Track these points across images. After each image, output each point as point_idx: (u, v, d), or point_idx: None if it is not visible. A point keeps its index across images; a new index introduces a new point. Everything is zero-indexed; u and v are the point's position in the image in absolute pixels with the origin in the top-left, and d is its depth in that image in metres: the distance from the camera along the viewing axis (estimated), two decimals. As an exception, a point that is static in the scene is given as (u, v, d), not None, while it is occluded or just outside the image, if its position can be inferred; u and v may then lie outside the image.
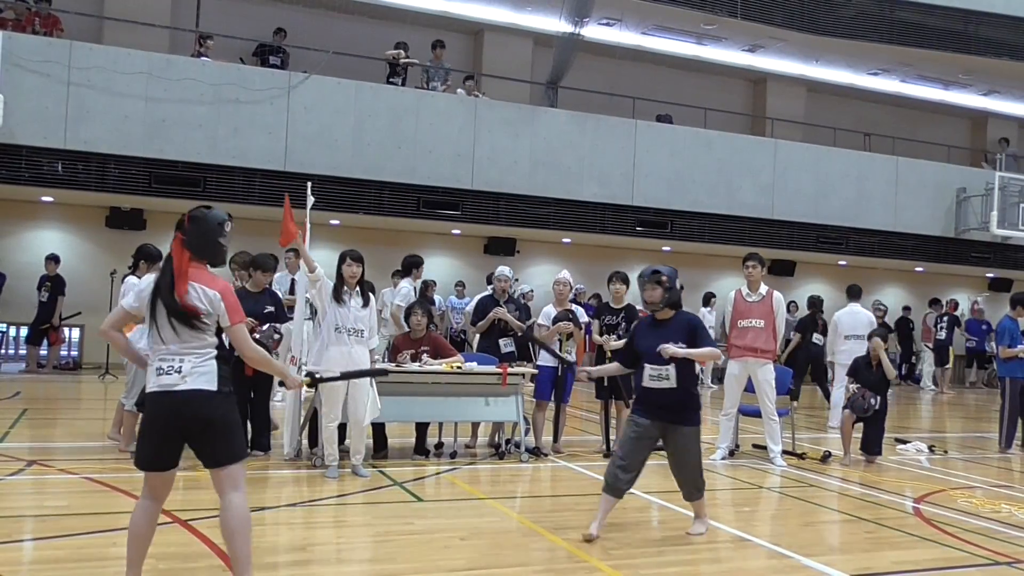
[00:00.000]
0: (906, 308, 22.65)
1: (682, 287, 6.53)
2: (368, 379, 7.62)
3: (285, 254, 12.97)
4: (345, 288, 7.70)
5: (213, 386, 4.21)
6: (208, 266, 4.40)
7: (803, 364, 15.51)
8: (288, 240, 8.11)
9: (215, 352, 4.28)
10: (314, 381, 5.17)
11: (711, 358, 6.39)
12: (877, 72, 22.68)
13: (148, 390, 4.24)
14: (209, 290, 4.26)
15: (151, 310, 4.24)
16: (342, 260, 7.81)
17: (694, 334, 6.16)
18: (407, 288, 11.71)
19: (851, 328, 12.44)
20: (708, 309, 18.55)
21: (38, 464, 7.56)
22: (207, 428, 4.20)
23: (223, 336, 4.40)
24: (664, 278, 6.20)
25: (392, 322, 11.87)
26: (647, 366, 6.18)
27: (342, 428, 8.85)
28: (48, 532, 5.52)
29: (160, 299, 4.21)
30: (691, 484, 6.21)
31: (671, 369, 6.08)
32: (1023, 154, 24.05)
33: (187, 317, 4.18)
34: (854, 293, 13.02)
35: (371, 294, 7.95)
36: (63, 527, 5.61)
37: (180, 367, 4.18)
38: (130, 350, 4.73)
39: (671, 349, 6.53)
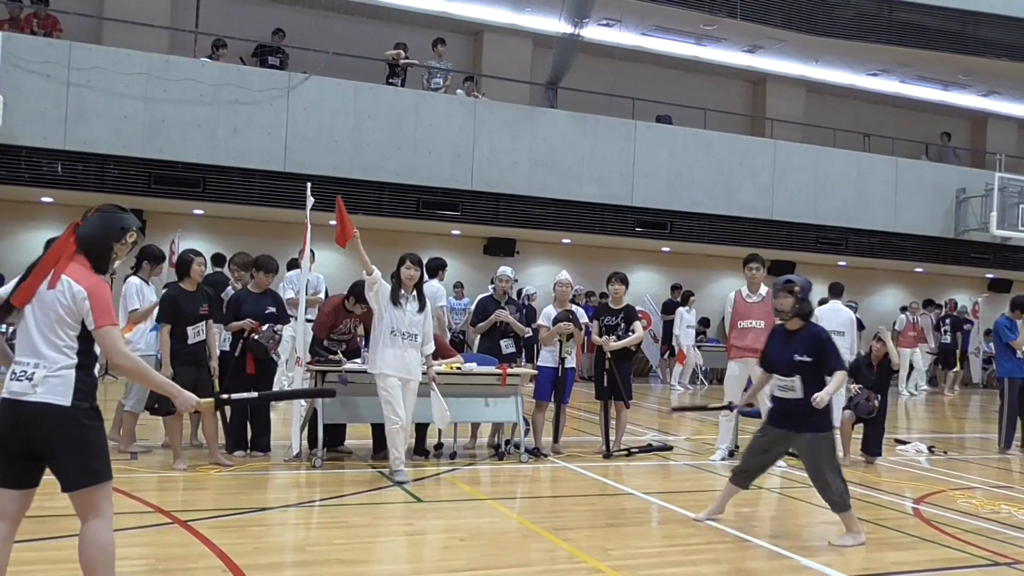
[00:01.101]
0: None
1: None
2: (417, 384, 7.62)
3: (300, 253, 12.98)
4: (402, 291, 7.66)
5: (66, 400, 3.65)
6: (91, 267, 3.89)
7: None
8: (346, 240, 8.05)
9: (75, 360, 3.73)
10: (220, 403, 4.53)
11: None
12: (876, 73, 22.68)
13: (1, 394, 3.75)
14: (75, 285, 3.73)
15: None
16: (401, 263, 7.77)
17: (820, 349, 6.21)
18: (440, 289, 11.82)
19: (836, 325, 12.50)
20: (687, 308, 18.42)
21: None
22: (56, 447, 3.67)
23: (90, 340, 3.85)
24: (796, 288, 6.29)
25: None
26: (775, 377, 6.36)
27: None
28: (48, 533, 5.51)
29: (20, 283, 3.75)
30: (825, 494, 6.19)
31: (796, 381, 6.20)
32: (964, 148, 23.85)
33: (10, 310, 3.74)
34: (836, 291, 13.00)
35: (427, 299, 7.92)
36: (63, 528, 5.60)
37: (32, 373, 3.66)
38: None
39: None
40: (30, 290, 3.75)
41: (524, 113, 17.55)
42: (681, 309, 18.39)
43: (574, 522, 6.57)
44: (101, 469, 3.77)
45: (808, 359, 6.17)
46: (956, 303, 21.82)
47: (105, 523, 3.80)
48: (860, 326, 16.89)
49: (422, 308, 7.73)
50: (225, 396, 4.64)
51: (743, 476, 6.55)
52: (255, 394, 4.89)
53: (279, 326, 8.56)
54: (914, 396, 19.28)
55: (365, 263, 7.68)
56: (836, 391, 6.23)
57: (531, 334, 10.06)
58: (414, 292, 7.73)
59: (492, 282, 11.54)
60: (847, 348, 12.50)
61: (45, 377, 3.67)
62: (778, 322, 6.47)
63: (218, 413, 8.21)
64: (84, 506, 3.78)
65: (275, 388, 10.10)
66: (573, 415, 11.92)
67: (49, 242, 3.89)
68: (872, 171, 20.37)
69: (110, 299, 3.83)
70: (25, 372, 3.69)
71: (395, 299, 7.60)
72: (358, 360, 8.53)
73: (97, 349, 3.87)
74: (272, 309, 8.60)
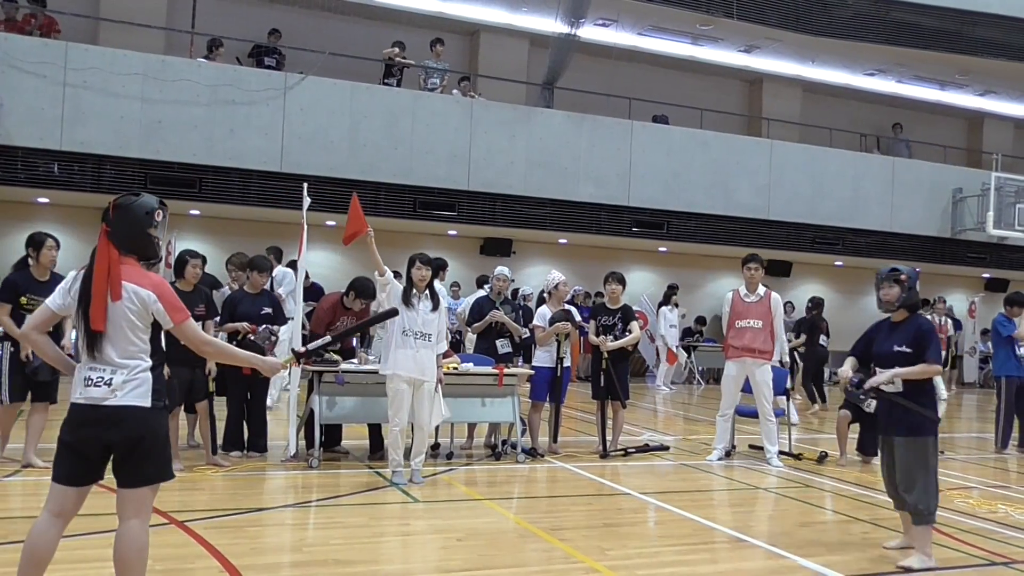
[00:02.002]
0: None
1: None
2: (435, 384, 7.60)
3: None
4: (414, 291, 7.64)
5: (147, 401, 3.80)
6: (139, 261, 3.97)
7: (814, 367, 15.35)
8: (352, 238, 8.05)
9: (150, 363, 3.87)
10: (299, 355, 4.62)
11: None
12: (873, 72, 22.69)
13: (73, 399, 3.82)
14: (141, 290, 3.81)
15: (82, 309, 3.81)
16: (411, 264, 7.74)
17: (919, 339, 5.77)
18: (441, 289, 11.83)
19: None
20: (668, 308, 18.29)
21: (35, 467, 7.52)
22: (137, 446, 3.78)
23: (160, 339, 3.98)
24: (903, 276, 5.88)
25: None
26: (876, 369, 5.94)
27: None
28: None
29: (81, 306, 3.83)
30: (913, 504, 5.69)
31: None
32: (914, 139, 23.43)
33: (96, 337, 3.78)
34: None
35: (440, 299, 7.88)
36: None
37: (111, 379, 3.77)
38: (56, 355, 4.13)
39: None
40: (102, 310, 3.78)
41: (520, 113, 17.55)
42: (664, 308, 18.26)
43: (571, 522, 6.57)
44: (167, 469, 3.92)
45: (908, 350, 5.75)
46: (944, 301, 21.71)
47: (145, 524, 3.88)
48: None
49: (436, 307, 7.70)
50: (302, 349, 4.65)
51: (899, 501, 5.91)
52: (328, 338, 4.96)
53: (276, 327, 8.54)
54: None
55: (377, 263, 7.69)
56: (909, 375, 5.69)
57: (528, 334, 10.05)
58: (427, 291, 7.71)
59: (485, 282, 11.52)
60: None
61: (124, 382, 3.78)
62: (883, 314, 6.02)
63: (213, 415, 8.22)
64: (134, 504, 3.84)
65: (270, 390, 10.10)
66: (570, 415, 11.93)
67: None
68: (868, 171, 20.40)
69: (175, 293, 3.94)
70: (103, 378, 3.77)
71: (407, 300, 7.58)
72: (354, 360, 8.53)
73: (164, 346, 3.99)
74: (268, 310, 8.59)
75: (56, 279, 7.53)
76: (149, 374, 3.85)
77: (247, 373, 8.34)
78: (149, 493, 3.89)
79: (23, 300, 7.33)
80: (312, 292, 13.75)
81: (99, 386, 3.76)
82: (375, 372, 7.87)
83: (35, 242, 7.57)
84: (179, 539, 5.53)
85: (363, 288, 8.62)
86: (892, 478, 5.85)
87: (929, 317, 19.01)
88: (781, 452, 9.54)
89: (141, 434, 3.80)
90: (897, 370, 5.73)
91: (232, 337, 8.44)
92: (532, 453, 9.10)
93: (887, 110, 24.51)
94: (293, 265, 12.49)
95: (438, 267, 12.00)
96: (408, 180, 16.30)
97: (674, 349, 18.11)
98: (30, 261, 7.57)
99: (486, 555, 5.56)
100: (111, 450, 3.82)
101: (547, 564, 5.43)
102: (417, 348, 7.48)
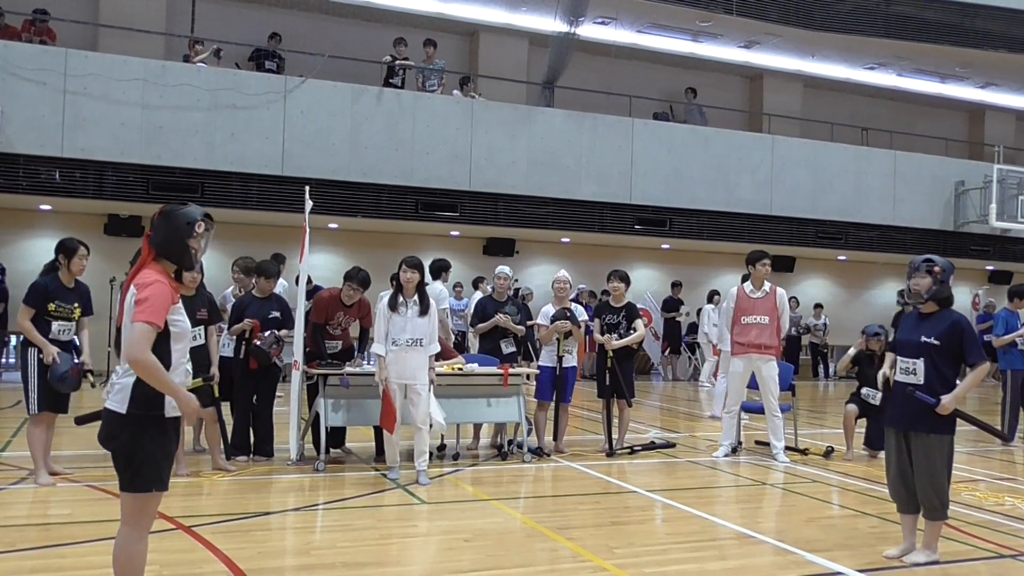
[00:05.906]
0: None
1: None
2: (429, 385, 7.61)
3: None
4: (401, 297, 7.64)
5: (122, 407, 3.79)
6: (174, 268, 4.00)
7: None
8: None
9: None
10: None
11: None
12: (873, 66, 22.67)
13: None
14: (133, 289, 3.84)
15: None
16: (398, 268, 7.76)
17: (954, 334, 5.53)
18: (443, 290, 11.79)
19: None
20: (712, 307, 17.97)
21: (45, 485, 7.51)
22: (111, 451, 3.85)
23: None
24: (937, 268, 5.61)
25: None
26: (898, 359, 5.75)
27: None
28: (51, 540, 5.51)
29: None
30: (930, 500, 5.61)
31: (920, 363, 5.57)
32: (706, 105, 22.65)
33: (118, 334, 3.92)
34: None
35: (431, 302, 7.86)
36: (66, 535, 5.61)
37: (112, 381, 3.90)
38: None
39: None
40: (122, 308, 3.91)
41: (521, 113, 17.53)
42: (708, 307, 17.85)
43: (578, 521, 6.57)
44: (141, 481, 3.83)
45: (936, 342, 5.52)
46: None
47: (136, 532, 3.87)
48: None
49: (424, 311, 7.69)
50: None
51: (910, 494, 5.73)
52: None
53: (283, 331, 8.50)
54: None
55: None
56: (969, 391, 5.60)
57: (524, 331, 9.96)
58: (415, 296, 7.70)
59: (475, 285, 11.40)
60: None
61: (112, 384, 3.85)
62: (909, 308, 5.80)
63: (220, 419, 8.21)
64: (124, 510, 3.89)
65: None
66: (576, 414, 11.92)
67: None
68: (870, 165, 20.35)
69: (160, 300, 3.79)
70: (111, 379, 3.89)
71: (393, 305, 7.59)
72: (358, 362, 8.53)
73: (181, 354, 3.97)
74: (276, 314, 8.56)
75: (80, 286, 7.43)
76: (131, 379, 3.81)
77: (254, 367, 8.35)
78: (130, 500, 3.85)
79: (51, 307, 7.17)
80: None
81: (107, 386, 3.87)
82: (372, 375, 7.88)
83: (67, 249, 7.36)
84: (186, 544, 5.53)
85: (355, 276, 8.62)
86: (903, 476, 5.70)
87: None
88: (787, 447, 9.53)
89: (111, 440, 3.84)
90: (958, 393, 5.54)
91: (238, 338, 8.45)
92: (538, 452, 9.10)
93: (888, 103, 24.51)
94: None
95: (439, 268, 11.98)
96: (410, 181, 16.29)
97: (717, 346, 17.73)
98: (59, 267, 7.36)
99: (494, 555, 5.56)
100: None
101: (555, 563, 5.43)
102: (405, 352, 7.52)
